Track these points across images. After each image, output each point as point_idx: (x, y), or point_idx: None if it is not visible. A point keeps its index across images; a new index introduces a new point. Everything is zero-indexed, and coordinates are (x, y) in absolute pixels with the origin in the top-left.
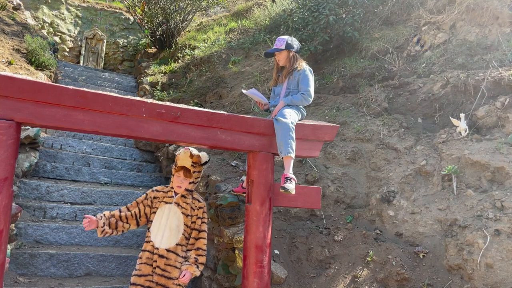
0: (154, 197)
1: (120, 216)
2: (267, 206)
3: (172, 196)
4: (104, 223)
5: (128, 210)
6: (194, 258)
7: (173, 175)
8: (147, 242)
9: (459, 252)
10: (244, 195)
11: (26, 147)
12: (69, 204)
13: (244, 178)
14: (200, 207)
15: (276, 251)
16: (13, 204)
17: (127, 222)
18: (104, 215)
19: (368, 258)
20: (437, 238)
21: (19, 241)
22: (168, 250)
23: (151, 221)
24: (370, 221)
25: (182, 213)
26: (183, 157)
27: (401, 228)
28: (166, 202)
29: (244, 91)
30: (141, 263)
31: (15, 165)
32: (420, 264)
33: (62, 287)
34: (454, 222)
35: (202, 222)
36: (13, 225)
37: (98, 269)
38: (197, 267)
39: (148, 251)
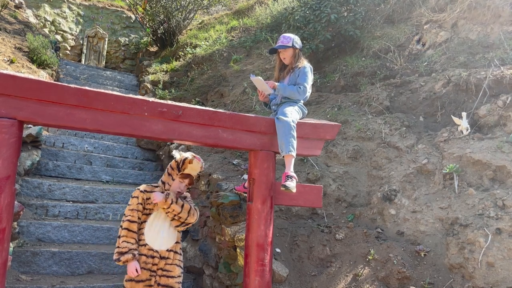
0: (147, 199)
1: (137, 240)
2: (268, 205)
3: None
4: (137, 253)
5: (135, 223)
6: None
7: (173, 179)
8: (140, 245)
9: (460, 251)
10: (246, 194)
11: (28, 146)
12: (71, 202)
13: (245, 177)
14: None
15: (278, 250)
16: (16, 202)
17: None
18: (135, 250)
19: (369, 257)
20: (438, 236)
21: (21, 239)
22: (168, 250)
23: (144, 222)
24: (371, 220)
25: None
26: (194, 166)
27: (402, 227)
28: None
29: (251, 76)
30: None
31: (17, 163)
32: (421, 263)
33: (64, 285)
34: (455, 221)
35: None
36: (15, 223)
37: (100, 267)
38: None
39: (144, 255)
